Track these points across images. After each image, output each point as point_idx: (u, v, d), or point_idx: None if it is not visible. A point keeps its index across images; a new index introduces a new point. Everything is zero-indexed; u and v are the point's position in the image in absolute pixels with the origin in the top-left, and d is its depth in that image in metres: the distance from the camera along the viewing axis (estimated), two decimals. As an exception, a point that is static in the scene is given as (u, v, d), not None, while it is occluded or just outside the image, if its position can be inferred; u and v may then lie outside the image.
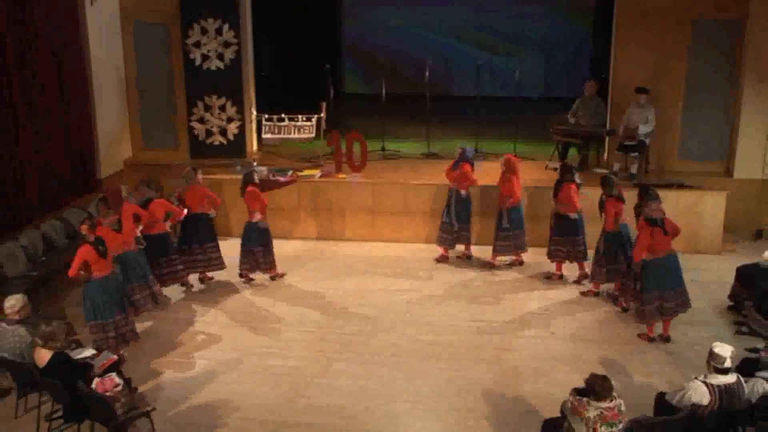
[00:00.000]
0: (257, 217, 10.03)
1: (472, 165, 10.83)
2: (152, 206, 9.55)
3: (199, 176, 10.23)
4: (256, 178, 10.19)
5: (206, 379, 7.99)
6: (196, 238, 10.16)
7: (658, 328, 8.80)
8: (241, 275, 10.37)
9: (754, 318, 8.76)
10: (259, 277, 10.49)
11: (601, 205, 9.69)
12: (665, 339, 8.73)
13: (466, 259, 11.16)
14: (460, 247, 11.22)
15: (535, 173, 12.26)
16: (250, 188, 10.02)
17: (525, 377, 8.01)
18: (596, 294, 9.96)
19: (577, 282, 10.35)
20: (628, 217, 9.64)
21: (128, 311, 8.47)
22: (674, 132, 12.48)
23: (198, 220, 10.14)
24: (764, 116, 11.94)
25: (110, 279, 8.13)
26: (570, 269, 10.47)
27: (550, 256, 10.47)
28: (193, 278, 10.35)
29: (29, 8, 10.71)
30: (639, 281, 8.68)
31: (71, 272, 7.98)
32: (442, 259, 11.16)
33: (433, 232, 11.27)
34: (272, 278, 10.45)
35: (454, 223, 10.81)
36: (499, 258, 10.87)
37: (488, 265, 10.89)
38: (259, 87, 14.21)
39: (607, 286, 9.91)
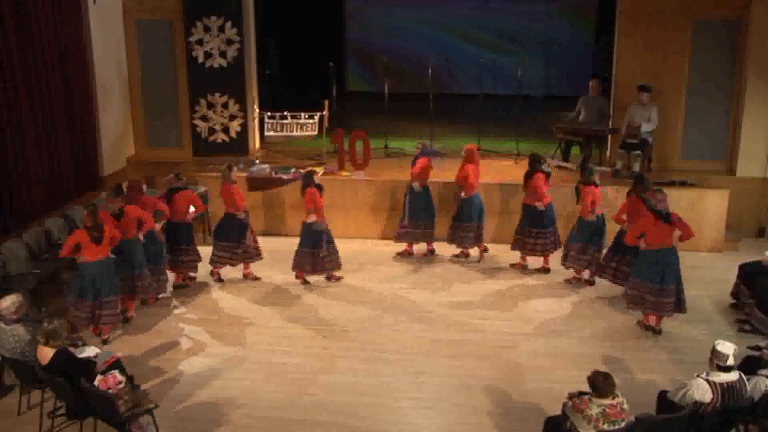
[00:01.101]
0: (312, 218, 9.91)
1: (430, 161, 11.04)
2: (178, 195, 9.89)
3: (234, 174, 10.19)
4: (317, 180, 10.08)
5: (210, 376, 8.01)
6: (232, 236, 10.15)
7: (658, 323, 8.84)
8: (297, 276, 10.35)
9: (756, 316, 8.77)
10: (267, 276, 10.52)
11: (578, 192, 9.93)
12: (656, 331, 8.82)
13: (430, 254, 11.29)
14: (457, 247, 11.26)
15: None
16: (310, 190, 9.89)
17: (527, 374, 8.02)
18: (579, 280, 10.22)
19: (540, 271, 10.67)
20: (607, 207, 9.84)
21: (120, 298, 8.81)
22: (676, 130, 12.48)
23: (231, 219, 10.15)
24: (766, 114, 11.94)
25: (104, 263, 8.46)
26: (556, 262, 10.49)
27: (514, 246, 10.72)
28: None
29: (32, 8, 10.72)
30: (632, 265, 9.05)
31: (61, 252, 8.44)
32: (404, 254, 11.32)
33: (436, 229, 11.27)
34: (327, 279, 10.38)
35: (405, 218, 10.98)
36: (465, 249, 11.09)
37: (455, 257, 11.15)
38: (263, 85, 14.23)
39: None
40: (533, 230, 10.47)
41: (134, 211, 9.10)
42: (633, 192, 9.51)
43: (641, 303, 8.76)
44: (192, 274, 10.36)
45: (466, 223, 10.81)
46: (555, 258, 10.50)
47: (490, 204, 11.33)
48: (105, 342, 8.64)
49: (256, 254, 10.40)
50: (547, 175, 10.41)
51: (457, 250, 11.15)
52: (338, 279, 10.39)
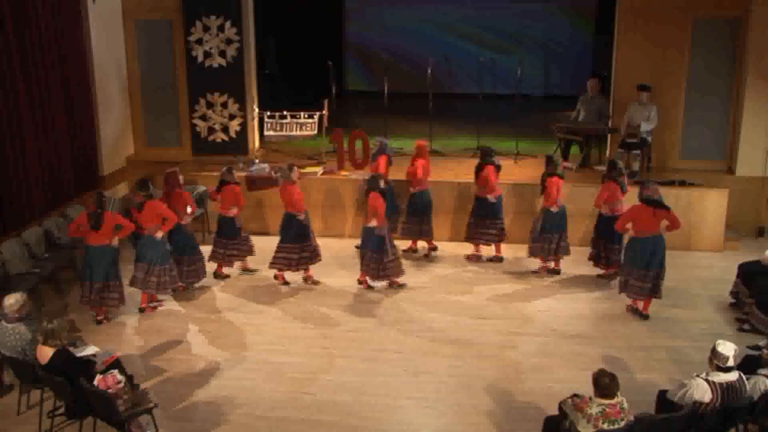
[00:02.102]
0: (373, 222, 9.74)
1: (389, 158, 11.16)
2: (226, 188, 10.06)
3: (295, 174, 10.05)
4: (382, 184, 9.92)
5: (209, 375, 8.01)
6: (294, 237, 10.04)
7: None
8: (359, 281, 10.24)
9: (755, 315, 8.77)
10: (267, 275, 10.50)
11: (543, 182, 10.22)
12: (643, 316, 9.21)
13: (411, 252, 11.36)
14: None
15: (536, 171, 12.23)
16: (374, 194, 9.74)
17: (527, 373, 8.03)
18: (549, 271, 10.49)
19: (493, 260, 10.98)
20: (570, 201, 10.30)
21: (119, 283, 9.13)
22: (676, 130, 12.48)
23: (291, 220, 10.01)
24: (765, 114, 11.94)
25: (106, 249, 8.88)
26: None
27: (467, 238, 10.95)
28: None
29: (32, 7, 10.72)
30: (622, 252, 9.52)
31: (68, 231, 9.26)
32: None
33: (436, 228, 11.27)
34: (389, 285, 10.09)
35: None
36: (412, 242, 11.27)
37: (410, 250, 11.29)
38: (263, 84, 14.22)
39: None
40: (485, 221, 10.73)
41: (155, 207, 9.22)
42: (607, 179, 9.95)
43: (625, 287, 9.26)
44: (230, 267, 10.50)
45: (415, 217, 10.98)
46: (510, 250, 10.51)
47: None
48: (98, 323, 9.10)
49: (316, 256, 10.27)
50: (498, 168, 10.70)
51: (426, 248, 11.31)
52: (401, 285, 10.11)
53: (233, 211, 10.20)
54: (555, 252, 10.36)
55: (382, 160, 10.98)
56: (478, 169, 10.69)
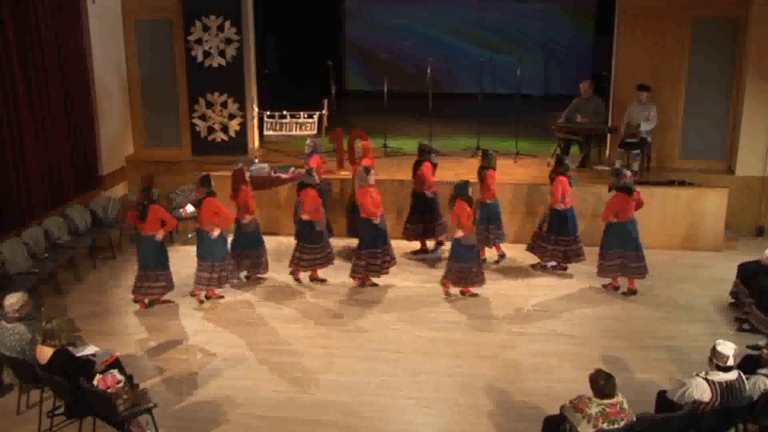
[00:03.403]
0: (459, 233, 9.51)
1: (320, 158, 11.31)
2: (304, 193, 9.93)
3: (372, 177, 9.92)
4: (470, 191, 9.68)
5: (209, 375, 8.01)
6: (372, 242, 9.94)
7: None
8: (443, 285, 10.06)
9: (755, 315, 8.77)
10: (267, 275, 10.51)
11: (481, 176, 10.49)
12: (632, 292, 9.83)
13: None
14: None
15: (536, 170, 12.26)
16: (460, 202, 9.48)
17: (526, 373, 8.03)
18: (484, 260, 10.62)
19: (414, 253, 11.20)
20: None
21: (165, 272, 9.48)
22: (675, 130, 12.47)
23: (367, 224, 9.89)
24: (765, 113, 11.92)
25: (150, 239, 9.26)
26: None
27: (407, 235, 11.11)
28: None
29: (31, 7, 10.71)
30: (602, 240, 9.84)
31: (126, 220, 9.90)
32: None
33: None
34: (462, 294, 9.91)
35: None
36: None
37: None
38: (262, 84, 14.22)
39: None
40: (425, 215, 10.91)
41: (210, 204, 9.38)
42: (556, 174, 10.23)
43: (619, 270, 9.79)
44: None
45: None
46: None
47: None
48: (149, 306, 9.51)
49: (393, 259, 10.19)
50: (435, 165, 10.89)
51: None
52: (474, 295, 9.89)
53: (248, 218, 10.10)
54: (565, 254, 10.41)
55: (314, 161, 11.00)
56: (416, 166, 10.84)
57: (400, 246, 11.08)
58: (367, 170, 9.93)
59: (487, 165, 10.53)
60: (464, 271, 9.67)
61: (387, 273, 10.18)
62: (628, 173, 9.75)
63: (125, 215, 10.19)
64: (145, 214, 9.21)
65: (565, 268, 10.60)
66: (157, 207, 9.33)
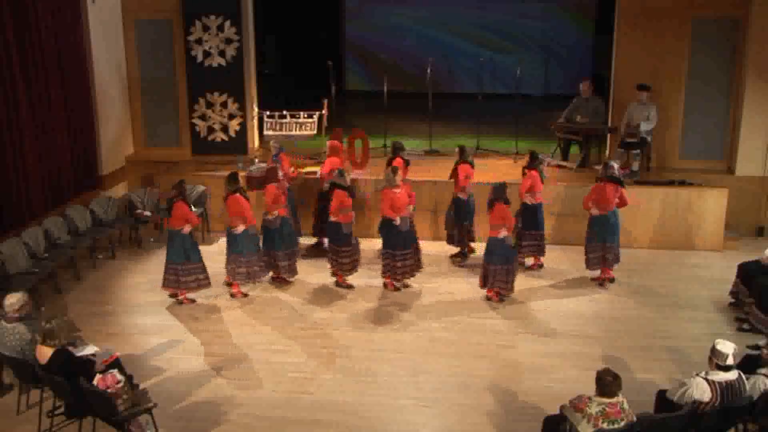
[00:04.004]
0: (503, 233, 9.40)
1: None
2: (336, 194, 9.84)
3: (398, 178, 9.77)
4: (507, 194, 9.55)
5: (209, 375, 8.01)
6: (398, 243, 9.82)
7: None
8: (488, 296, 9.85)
9: (755, 315, 8.77)
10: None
11: (454, 170, 10.67)
12: (610, 280, 10.18)
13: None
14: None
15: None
16: (500, 204, 9.43)
17: (526, 373, 8.03)
18: (462, 255, 10.94)
19: None
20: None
21: (196, 267, 9.55)
22: (675, 129, 12.48)
23: (389, 226, 9.79)
24: (765, 113, 11.93)
25: (176, 233, 9.42)
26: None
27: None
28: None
29: (31, 6, 10.71)
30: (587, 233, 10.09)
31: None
32: None
33: (435, 228, 11.28)
34: (500, 300, 9.73)
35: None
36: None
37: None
38: (262, 84, 14.21)
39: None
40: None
41: (234, 201, 9.49)
42: (528, 168, 10.44)
43: (600, 263, 10.06)
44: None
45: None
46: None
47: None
48: (179, 303, 9.63)
49: (415, 263, 10.03)
50: (407, 162, 10.96)
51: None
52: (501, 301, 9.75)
53: (272, 215, 10.09)
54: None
55: (285, 161, 11.05)
56: (389, 163, 10.78)
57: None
58: (395, 171, 9.77)
59: (460, 159, 10.69)
60: (508, 273, 9.53)
61: (411, 276, 10.02)
62: (616, 166, 9.96)
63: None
64: (171, 209, 9.41)
65: (541, 266, 10.68)
66: (181, 204, 9.41)
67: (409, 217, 9.89)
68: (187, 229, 9.42)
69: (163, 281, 9.59)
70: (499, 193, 9.52)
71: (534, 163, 10.39)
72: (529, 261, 10.73)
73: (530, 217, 10.46)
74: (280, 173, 10.18)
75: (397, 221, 9.66)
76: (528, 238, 10.54)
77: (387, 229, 9.82)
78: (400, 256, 9.83)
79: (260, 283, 10.10)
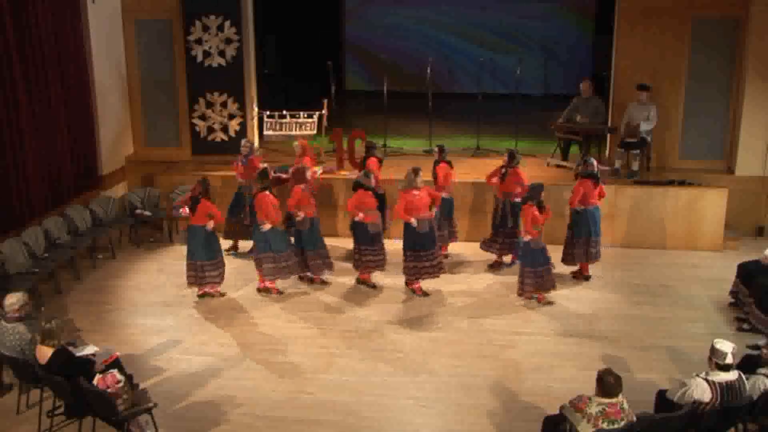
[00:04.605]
0: (527, 237, 9.37)
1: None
2: (359, 194, 9.88)
3: (419, 179, 9.65)
4: (543, 197, 9.46)
5: (209, 375, 8.00)
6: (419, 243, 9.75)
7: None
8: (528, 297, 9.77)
9: (755, 314, 8.77)
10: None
11: (434, 169, 10.77)
12: (586, 278, 10.33)
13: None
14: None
15: (535, 170, 12.24)
16: (529, 206, 9.35)
17: (526, 373, 8.02)
18: (446, 256, 10.83)
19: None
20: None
21: (216, 263, 9.68)
22: (675, 129, 12.47)
23: (407, 228, 9.70)
24: (765, 113, 11.93)
25: (199, 229, 9.50)
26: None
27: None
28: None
29: (31, 6, 10.71)
30: (570, 228, 10.20)
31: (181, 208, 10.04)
32: None
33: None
34: (538, 301, 9.69)
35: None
36: None
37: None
38: (262, 84, 14.22)
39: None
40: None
41: (263, 198, 9.54)
42: (507, 167, 10.45)
43: (585, 257, 10.18)
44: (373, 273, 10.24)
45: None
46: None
47: (485, 203, 11.34)
48: (200, 297, 9.78)
49: (434, 266, 9.84)
50: (380, 161, 11.22)
51: None
52: (549, 303, 9.67)
53: (300, 215, 10.03)
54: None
55: (255, 163, 11.05)
56: (363, 162, 11.01)
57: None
58: (416, 171, 9.65)
59: (439, 158, 10.79)
60: (536, 275, 9.47)
61: (435, 277, 9.87)
62: (595, 162, 10.12)
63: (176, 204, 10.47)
64: (196, 206, 9.44)
65: (510, 265, 10.75)
66: (206, 201, 9.50)
67: (429, 218, 9.71)
68: (211, 225, 9.49)
69: (187, 280, 9.69)
70: (532, 193, 9.50)
71: (513, 162, 10.39)
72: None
73: (515, 216, 10.46)
74: (308, 174, 10.13)
75: (413, 222, 9.53)
76: (504, 235, 10.62)
77: (406, 232, 9.73)
78: (429, 255, 9.69)
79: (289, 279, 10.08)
